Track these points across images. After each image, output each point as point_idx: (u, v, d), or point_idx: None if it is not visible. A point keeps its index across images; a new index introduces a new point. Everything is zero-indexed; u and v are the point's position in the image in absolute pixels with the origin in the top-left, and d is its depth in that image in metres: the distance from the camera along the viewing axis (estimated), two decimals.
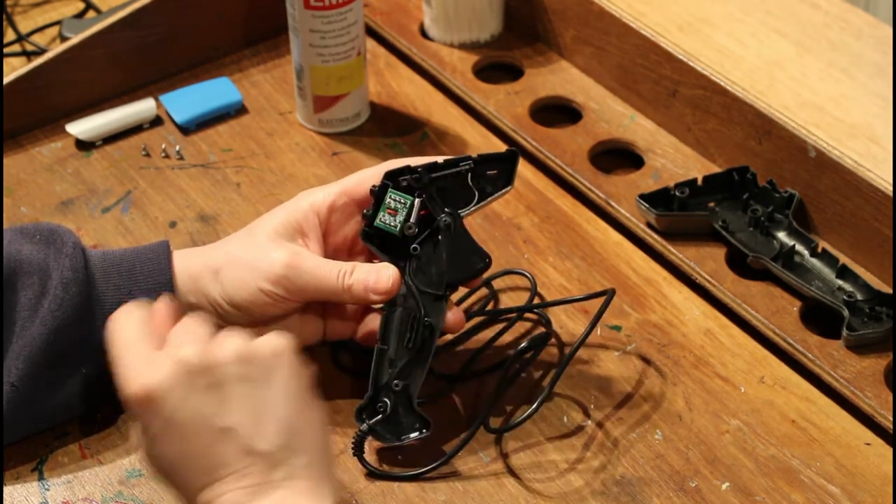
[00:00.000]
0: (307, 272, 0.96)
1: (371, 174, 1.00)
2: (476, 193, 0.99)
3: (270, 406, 0.85)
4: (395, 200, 0.98)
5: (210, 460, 0.84)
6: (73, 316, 0.95)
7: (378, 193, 0.98)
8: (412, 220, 0.98)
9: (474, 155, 1.00)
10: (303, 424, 0.86)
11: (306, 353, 1.03)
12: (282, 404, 0.85)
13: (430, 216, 0.98)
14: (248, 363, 0.86)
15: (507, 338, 1.05)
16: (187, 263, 0.98)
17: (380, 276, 0.97)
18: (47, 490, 0.95)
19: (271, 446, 0.84)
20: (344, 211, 1.00)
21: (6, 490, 0.95)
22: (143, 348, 0.88)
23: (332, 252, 1.01)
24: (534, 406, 0.96)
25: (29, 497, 0.95)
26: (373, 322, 1.01)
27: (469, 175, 0.99)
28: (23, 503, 0.94)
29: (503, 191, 1.00)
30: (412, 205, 0.98)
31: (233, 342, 0.86)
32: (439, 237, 0.98)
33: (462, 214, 0.99)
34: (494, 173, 1.00)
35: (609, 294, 1.00)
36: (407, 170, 0.98)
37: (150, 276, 0.97)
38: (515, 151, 1.00)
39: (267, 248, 0.97)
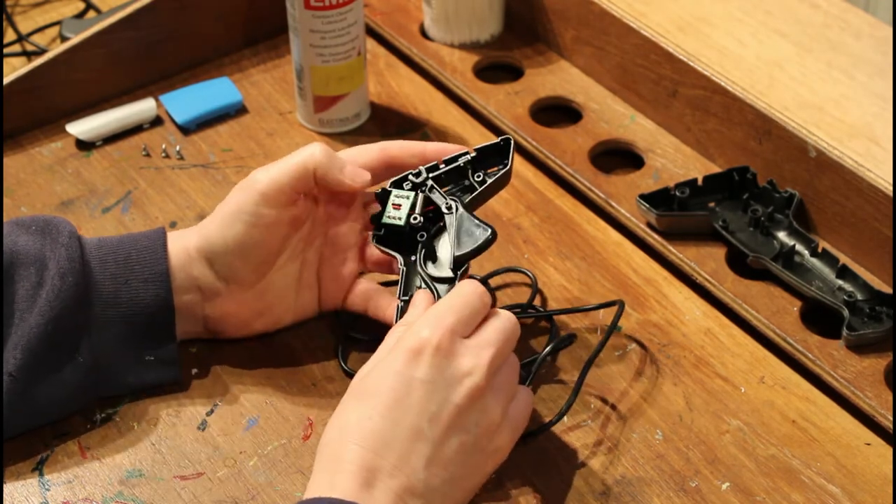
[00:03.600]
0: (276, 167, 0.98)
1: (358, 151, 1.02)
2: (477, 186, 1.00)
3: (466, 458, 0.88)
4: (398, 197, 1.00)
5: (393, 435, 0.85)
6: (70, 305, 0.95)
7: (382, 196, 1.00)
8: (417, 210, 0.99)
9: (471, 150, 1.01)
10: (468, 486, 0.89)
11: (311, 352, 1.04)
12: (472, 461, 0.88)
13: (436, 211, 0.99)
14: (517, 430, 0.91)
15: None
16: (184, 243, 0.99)
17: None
18: (47, 490, 0.95)
19: (432, 479, 0.86)
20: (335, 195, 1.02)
21: (6, 489, 0.95)
22: (463, 317, 0.91)
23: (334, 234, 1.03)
24: (547, 423, 0.97)
25: (29, 497, 0.95)
26: (364, 286, 1.02)
27: (469, 170, 1.00)
28: (23, 503, 0.94)
29: (502, 171, 1.01)
30: (416, 197, 0.99)
31: (527, 394, 0.92)
32: (444, 221, 0.99)
33: (465, 200, 0.99)
34: (494, 169, 1.01)
35: (620, 306, 1.01)
36: (408, 176, 1.01)
37: (145, 266, 0.98)
38: (509, 138, 1.02)
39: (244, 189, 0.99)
